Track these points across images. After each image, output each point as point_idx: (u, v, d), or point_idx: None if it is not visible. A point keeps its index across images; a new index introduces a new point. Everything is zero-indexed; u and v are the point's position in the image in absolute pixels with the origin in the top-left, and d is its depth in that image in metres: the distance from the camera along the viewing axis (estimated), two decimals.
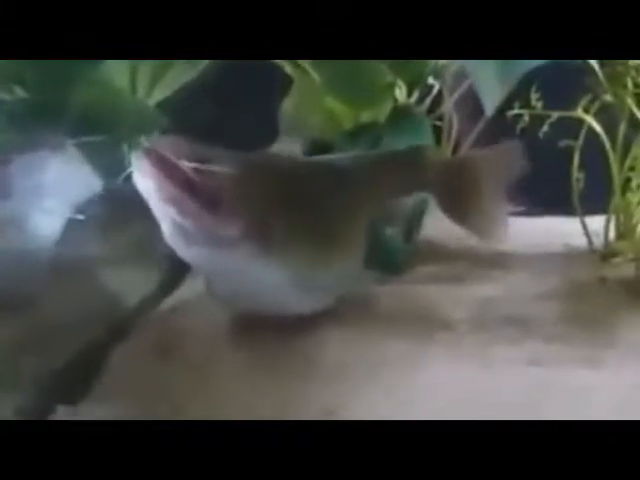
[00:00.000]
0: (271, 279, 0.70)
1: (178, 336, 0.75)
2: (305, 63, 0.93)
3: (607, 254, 0.90)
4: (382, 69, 0.92)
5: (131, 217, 1.01)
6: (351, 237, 0.76)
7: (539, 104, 0.88)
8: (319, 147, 0.89)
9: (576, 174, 0.90)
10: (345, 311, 0.78)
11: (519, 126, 0.89)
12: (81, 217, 1.10)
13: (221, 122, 1.14)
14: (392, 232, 0.88)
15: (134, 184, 0.69)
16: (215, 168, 0.68)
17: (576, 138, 0.88)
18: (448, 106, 0.99)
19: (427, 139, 0.92)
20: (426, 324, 0.76)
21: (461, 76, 0.95)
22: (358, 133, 0.94)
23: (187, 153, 0.68)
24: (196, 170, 0.67)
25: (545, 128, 0.87)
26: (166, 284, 0.85)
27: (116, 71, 0.96)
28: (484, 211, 0.83)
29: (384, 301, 0.81)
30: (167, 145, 0.68)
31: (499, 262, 0.92)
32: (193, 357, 0.71)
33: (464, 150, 0.99)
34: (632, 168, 0.89)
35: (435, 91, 0.99)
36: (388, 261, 0.87)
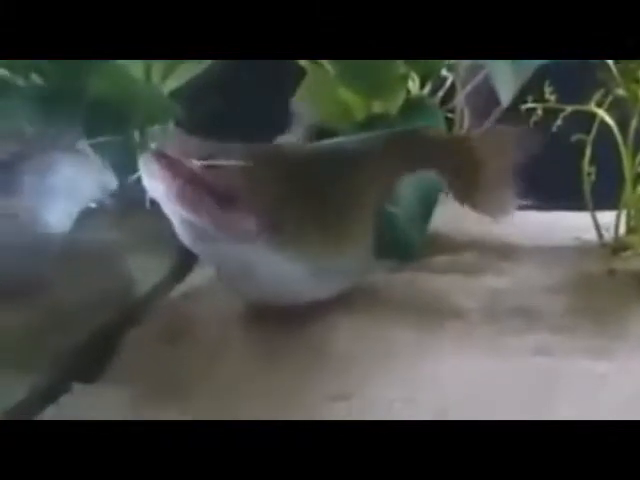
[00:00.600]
0: (286, 270, 0.70)
1: (189, 322, 0.75)
2: None
3: (617, 248, 0.90)
4: (396, 61, 0.93)
5: (144, 206, 1.02)
6: (359, 222, 0.77)
7: (553, 98, 0.88)
8: (324, 135, 0.90)
9: (587, 168, 0.91)
10: (356, 299, 0.78)
11: (532, 120, 0.89)
12: (94, 205, 1.11)
13: (233, 113, 1.14)
14: (405, 221, 0.88)
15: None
16: (225, 163, 0.68)
17: (588, 132, 0.89)
18: (460, 99, 0.99)
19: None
20: (436, 313, 0.77)
21: (474, 69, 0.95)
22: (370, 124, 0.95)
23: (196, 151, 0.68)
24: (206, 168, 0.67)
25: (558, 122, 0.87)
26: (177, 271, 0.86)
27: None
28: (490, 188, 0.84)
29: (395, 290, 0.82)
30: (175, 146, 0.68)
31: (510, 254, 0.92)
32: (204, 342, 0.72)
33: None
34: None
35: (448, 83, 0.99)
36: (401, 251, 0.87)
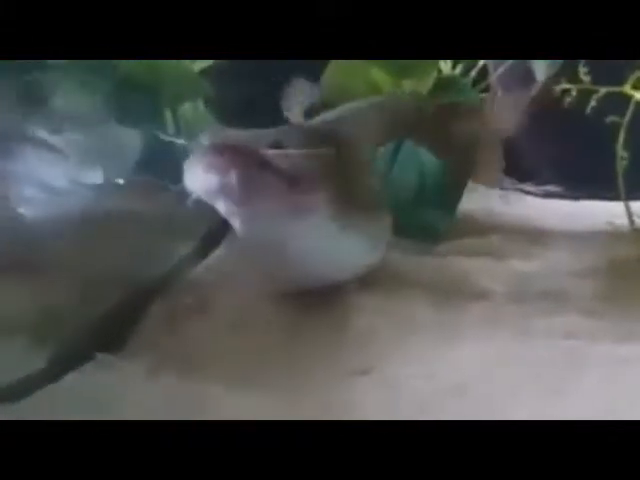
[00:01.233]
0: (342, 241, 0.72)
1: (212, 296, 0.75)
2: None
3: None
4: None
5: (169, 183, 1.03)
6: (372, 192, 0.78)
7: (587, 79, 0.86)
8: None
9: (621, 152, 0.89)
10: (379, 279, 0.77)
11: (566, 100, 0.87)
12: (121, 181, 1.11)
13: (262, 92, 1.14)
14: (429, 202, 0.88)
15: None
16: (286, 148, 0.68)
17: (623, 115, 0.87)
18: (493, 79, 0.97)
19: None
20: (460, 294, 0.76)
21: None
22: None
23: (261, 138, 0.67)
24: (274, 153, 0.67)
25: (592, 104, 0.86)
26: (202, 247, 0.86)
27: None
28: (479, 158, 0.83)
29: (419, 271, 0.81)
30: (235, 137, 0.68)
31: (539, 239, 0.91)
32: (226, 316, 0.72)
33: (508, 125, 0.98)
34: None
35: (481, 63, 0.98)
36: (428, 231, 0.87)
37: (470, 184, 0.95)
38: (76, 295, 0.75)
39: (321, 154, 0.70)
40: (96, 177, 1.06)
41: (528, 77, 0.81)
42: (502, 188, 1.08)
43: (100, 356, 0.66)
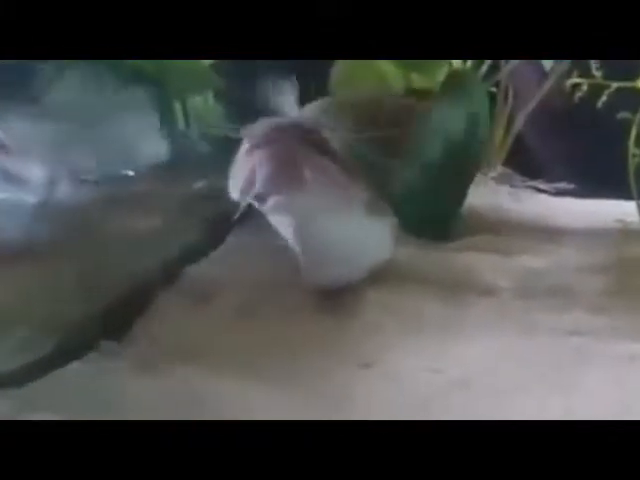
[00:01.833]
0: (374, 237, 0.72)
1: (218, 285, 0.75)
2: None
3: None
4: None
5: (179, 174, 1.02)
6: None
7: (599, 74, 0.85)
8: None
9: (633, 149, 0.88)
10: (387, 274, 0.77)
11: (577, 95, 0.86)
12: (132, 173, 1.11)
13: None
14: (436, 200, 0.87)
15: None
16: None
17: (635, 111, 0.86)
18: (504, 73, 0.97)
19: (482, 105, 0.90)
20: (468, 290, 0.76)
21: None
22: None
23: (309, 123, 0.66)
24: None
25: (604, 99, 0.85)
26: (211, 238, 0.86)
27: None
28: None
29: (427, 266, 0.80)
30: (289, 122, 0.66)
31: (549, 236, 0.90)
32: (231, 306, 0.72)
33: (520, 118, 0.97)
34: None
35: None
36: (438, 229, 0.86)
37: (478, 179, 0.94)
38: (81, 284, 0.75)
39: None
40: (103, 168, 1.06)
41: (539, 71, 0.80)
42: (512, 185, 1.07)
43: (104, 344, 0.66)
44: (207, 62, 1.04)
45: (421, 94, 0.93)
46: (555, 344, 0.66)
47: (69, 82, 1.01)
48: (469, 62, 0.95)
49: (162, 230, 0.86)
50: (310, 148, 0.64)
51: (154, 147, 1.07)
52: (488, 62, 0.96)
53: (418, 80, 0.94)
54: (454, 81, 0.93)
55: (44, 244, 0.81)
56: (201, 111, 1.10)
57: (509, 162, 1.05)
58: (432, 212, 0.86)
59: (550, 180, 1.04)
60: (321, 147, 0.65)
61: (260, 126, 0.65)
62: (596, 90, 0.85)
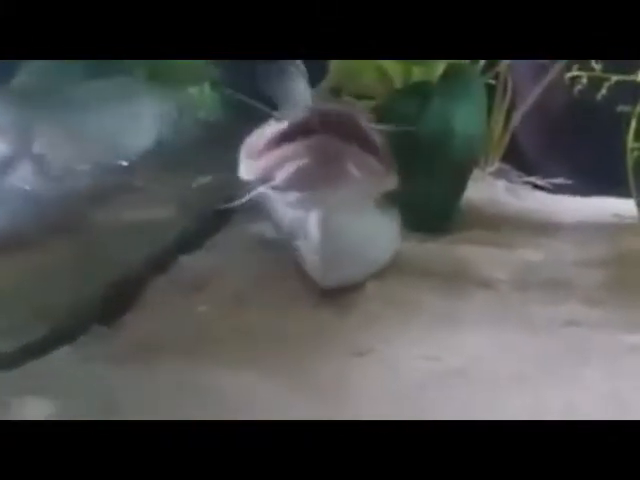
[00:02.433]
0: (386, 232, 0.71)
1: (212, 274, 0.74)
2: None
3: None
4: None
5: (178, 165, 1.02)
6: None
7: (598, 67, 0.85)
8: None
9: (632, 143, 0.87)
10: (386, 267, 0.76)
11: (577, 88, 0.86)
12: (125, 164, 1.10)
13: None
14: (437, 194, 0.87)
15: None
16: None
17: (634, 104, 0.85)
18: (503, 66, 0.96)
19: (480, 99, 0.90)
20: (465, 282, 0.75)
21: None
22: (409, 92, 0.93)
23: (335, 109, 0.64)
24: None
25: (603, 92, 0.84)
26: (206, 227, 0.85)
27: None
28: None
29: (424, 258, 0.80)
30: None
31: (547, 231, 0.90)
32: (225, 294, 0.71)
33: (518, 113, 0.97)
34: None
35: None
36: (436, 223, 0.86)
37: (476, 174, 0.94)
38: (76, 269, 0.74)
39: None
40: (99, 157, 1.05)
41: (538, 65, 0.80)
42: (509, 181, 1.07)
43: (96, 329, 0.65)
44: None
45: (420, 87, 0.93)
46: (552, 335, 0.66)
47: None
48: None
49: (156, 219, 0.86)
50: (352, 141, 0.61)
51: (148, 136, 1.06)
52: None
53: (418, 73, 0.93)
54: (453, 74, 0.92)
55: (37, 232, 0.81)
56: (197, 100, 1.10)
57: (507, 158, 1.05)
58: (431, 205, 0.85)
59: (548, 175, 1.04)
60: (363, 139, 0.63)
61: (297, 112, 0.62)
62: (595, 83, 0.85)
